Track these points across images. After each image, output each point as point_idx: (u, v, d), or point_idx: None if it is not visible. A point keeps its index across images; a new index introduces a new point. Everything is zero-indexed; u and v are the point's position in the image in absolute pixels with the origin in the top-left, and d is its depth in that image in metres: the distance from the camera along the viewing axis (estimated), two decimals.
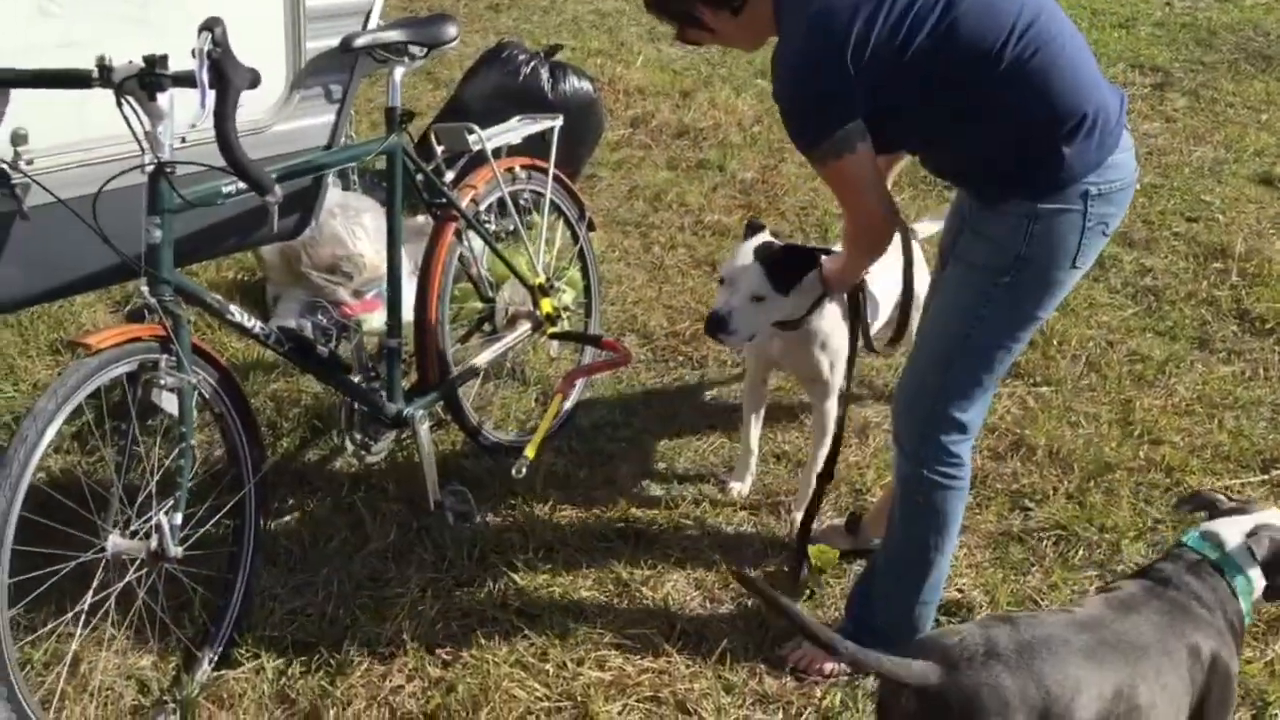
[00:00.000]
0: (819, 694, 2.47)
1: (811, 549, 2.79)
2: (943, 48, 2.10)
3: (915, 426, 2.37)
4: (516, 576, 2.76)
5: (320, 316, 3.27)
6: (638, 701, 2.43)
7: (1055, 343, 3.83)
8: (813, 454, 2.98)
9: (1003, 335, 2.28)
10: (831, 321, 2.80)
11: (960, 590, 2.78)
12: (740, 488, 3.13)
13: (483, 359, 3.09)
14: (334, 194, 3.64)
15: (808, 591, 2.74)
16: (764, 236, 2.77)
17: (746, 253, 2.69)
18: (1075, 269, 2.25)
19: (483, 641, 2.55)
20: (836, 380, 2.87)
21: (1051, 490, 3.15)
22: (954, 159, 2.34)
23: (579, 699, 2.41)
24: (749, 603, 2.72)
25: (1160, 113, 5.98)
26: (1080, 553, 2.93)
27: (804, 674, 2.51)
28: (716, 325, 2.66)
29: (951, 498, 2.38)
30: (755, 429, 3.12)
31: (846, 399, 2.78)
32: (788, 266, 2.64)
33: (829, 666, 2.50)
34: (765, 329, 2.73)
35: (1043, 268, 2.22)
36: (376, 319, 3.61)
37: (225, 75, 2.00)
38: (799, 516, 2.89)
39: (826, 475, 2.78)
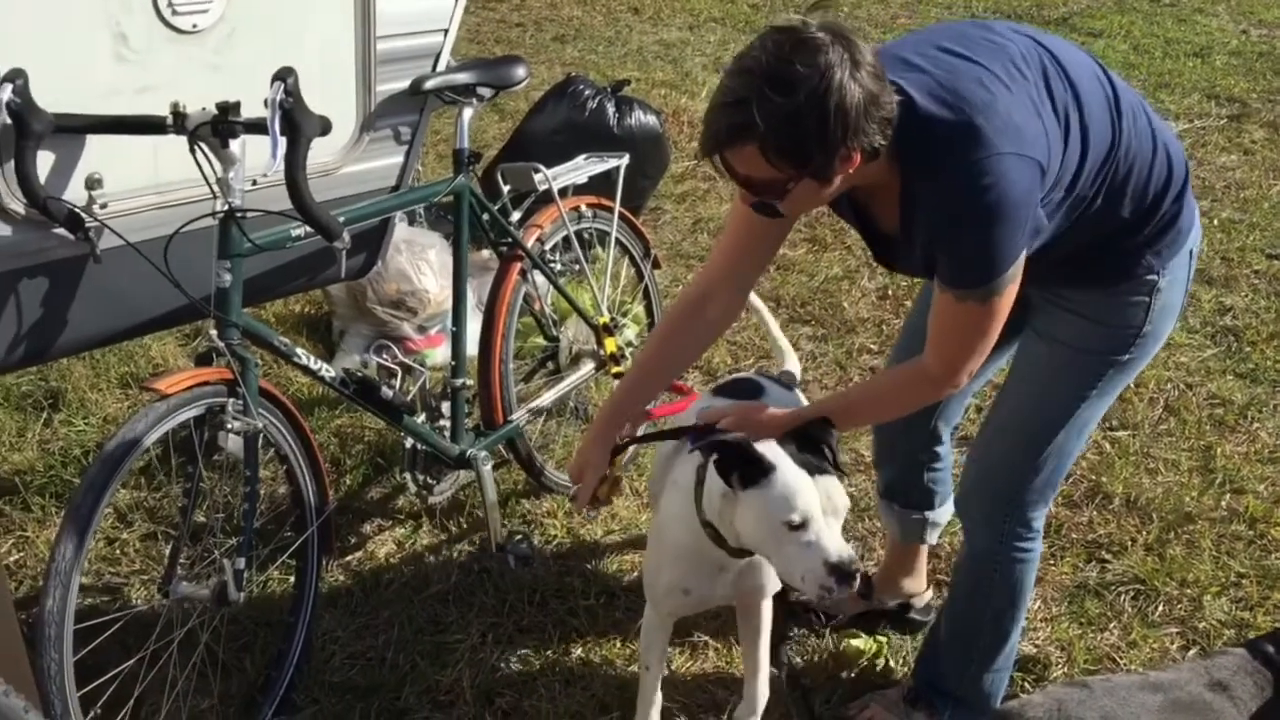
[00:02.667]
0: None
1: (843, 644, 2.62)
2: (1083, 147, 1.93)
3: (998, 504, 2.26)
4: (578, 622, 2.72)
5: (385, 356, 3.28)
6: None
7: (1133, 385, 3.71)
8: (751, 656, 2.37)
9: (1105, 404, 2.20)
10: None
11: (1036, 645, 2.70)
12: None
13: (546, 399, 3.07)
14: (400, 229, 3.65)
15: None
16: (775, 446, 1.96)
17: (799, 473, 1.92)
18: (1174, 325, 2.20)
19: (542, 691, 2.52)
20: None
21: (1129, 541, 3.05)
22: (1068, 251, 2.02)
23: None
24: (814, 657, 2.66)
25: (1238, 145, 5.83)
26: (1160, 608, 2.83)
27: None
28: (863, 582, 1.91)
29: (1027, 570, 2.30)
30: (658, 686, 2.36)
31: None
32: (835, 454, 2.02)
33: None
34: None
35: (1157, 335, 2.14)
36: (440, 354, 3.62)
37: (297, 124, 2.01)
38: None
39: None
